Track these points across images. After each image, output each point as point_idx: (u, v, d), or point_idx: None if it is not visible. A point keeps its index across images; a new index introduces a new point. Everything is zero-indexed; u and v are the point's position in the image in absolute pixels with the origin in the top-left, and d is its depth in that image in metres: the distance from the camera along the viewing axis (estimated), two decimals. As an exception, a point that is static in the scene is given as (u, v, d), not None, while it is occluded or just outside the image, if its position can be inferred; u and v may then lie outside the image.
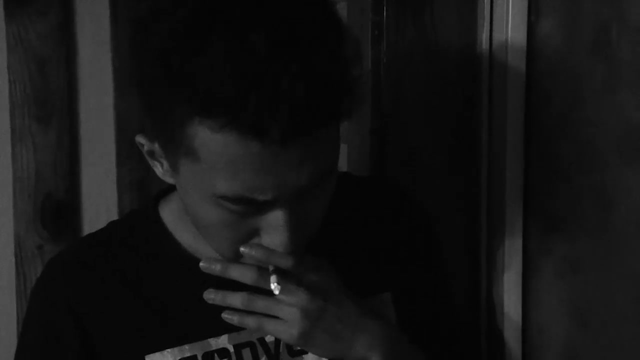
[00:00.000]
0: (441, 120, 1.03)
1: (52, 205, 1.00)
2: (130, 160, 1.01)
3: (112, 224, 0.82)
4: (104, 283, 0.75)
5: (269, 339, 0.75)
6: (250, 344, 0.75)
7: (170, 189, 0.81)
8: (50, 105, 0.98)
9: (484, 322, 1.06)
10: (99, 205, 1.02)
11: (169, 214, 0.78)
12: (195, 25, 0.59)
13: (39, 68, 0.97)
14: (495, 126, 1.04)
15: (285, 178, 0.62)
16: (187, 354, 0.73)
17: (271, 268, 0.69)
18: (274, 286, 0.68)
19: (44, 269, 0.79)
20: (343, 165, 1.02)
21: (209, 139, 0.60)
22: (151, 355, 0.73)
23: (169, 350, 0.73)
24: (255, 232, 0.67)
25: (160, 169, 0.71)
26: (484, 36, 1.03)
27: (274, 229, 0.65)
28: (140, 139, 0.70)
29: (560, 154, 0.99)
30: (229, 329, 0.74)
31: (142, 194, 1.02)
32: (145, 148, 0.70)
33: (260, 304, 0.70)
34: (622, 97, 0.89)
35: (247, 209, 0.64)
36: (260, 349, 0.75)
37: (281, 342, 0.75)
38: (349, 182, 0.84)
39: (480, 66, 1.03)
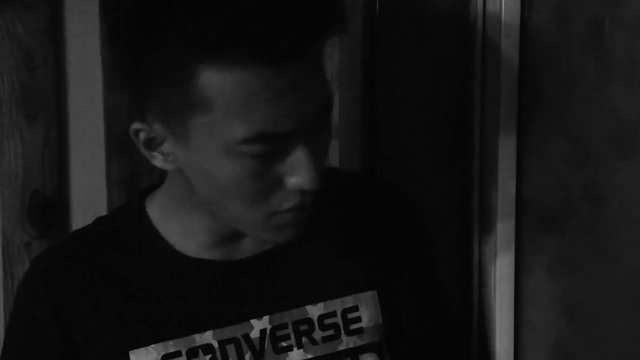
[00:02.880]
0: (433, 116, 1.03)
1: (40, 202, 0.99)
2: (119, 156, 1.01)
3: (98, 220, 0.81)
4: (89, 279, 0.75)
5: (254, 335, 0.75)
6: (234, 340, 0.74)
7: (157, 185, 0.81)
8: (38, 101, 0.98)
9: (475, 320, 1.06)
10: (88, 202, 1.01)
11: (155, 209, 0.78)
12: None
13: (27, 63, 0.97)
14: (487, 122, 1.03)
15: (298, 105, 0.63)
16: (171, 350, 0.73)
17: None
18: None
19: (30, 266, 0.80)
20: (335, 161, 1.02)
21: (221, 81, 0.61)
22: (135, 350, 0.73)
23: (153, 345, 0.73)
24: (278, 183, 0.67)
25: (160, 158, 0.70)
26: (478, 41, 1.03)
27: (299, 167, 0.65)
28: (136, 126, 0.68)
29: (553, 150, 0.99)
30: (214, 325, 0.74)
31: (132, 191, 1.01)
32: (142, 137, 0.69)
33: None
34: (615, 92, 0.89)
35: (268, 149, 0.64)
36: (245, 346, 0.75)
37: (266, 339, 0.75)
38: (339, 177, 0.84)
39: (473, 65, 1.03)
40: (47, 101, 0.98)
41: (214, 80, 0.61)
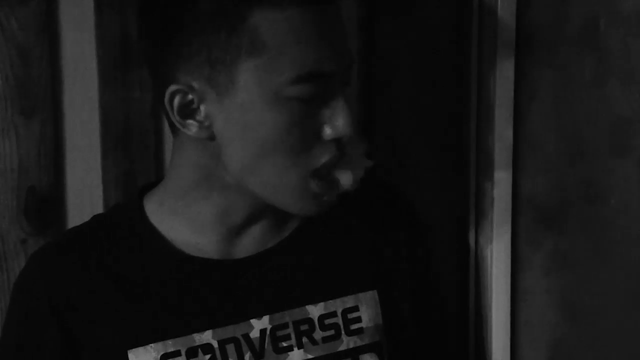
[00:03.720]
0: (430, 115, 1.03)
1: (36, 199, 0.98)
2: (115, 152, 1.00)
3: (95, 218, 0.81)
4: (87, 277, 0.75)
5: (254, 334, 0.75)
6: (234, 340, 0.74)
7: (155, 182, 0.80)
8: (34, 97, 0.97)
9: (472, 318, 1.07)
10: (84, 198, 1.00)
11: (154, 207, 0.77)
12: None
13: (22, 58, 0.96)
14: (484, 120, 1.04)
15: (338, 46, 0.69)
16: (171, 349, 0.73)
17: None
18: None
19: (27, 262, 0.79)
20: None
21: (271, 22, 0.65)
22: (134, 350, 0.73)
23: (152, 345, 0.73)
24: (317, 136, 0.70)
25: (194, 125, 0.70)
26: (474, 38, 1.03)
27: (337, 113, 0.69)
28: (173, 88, 0.69)
29: (549, 147, 0.99)
30: (213, 324, 0.74)
31: (128, 188, 1.00)
32: (177, 102, 0.69)
33: None
34: (611, 89, 0.89)
35: (314, 91, 0.68)
36: (244, 345, 0.74)
37: (266, 339, 0.75)
38: None
39: (469, 63, 1.03)
40: (42, 97, 0.97)
41: (266, 21, 0.65)
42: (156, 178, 0.82)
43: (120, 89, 0.97)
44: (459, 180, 1.05)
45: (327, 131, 0.69)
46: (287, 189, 0.70)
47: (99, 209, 0.99)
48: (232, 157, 0.70)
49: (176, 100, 0.69)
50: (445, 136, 1.04)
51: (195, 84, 0.68)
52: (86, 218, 0.81)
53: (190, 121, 0.70)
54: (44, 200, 0.99)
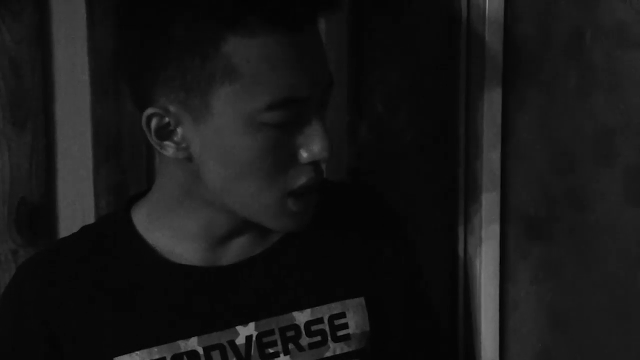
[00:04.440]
0: (419, 126, 1.04)
1: (27, 210, 0.99)
2: (107, 163, 1.01)
3: (84, 228, 0.81)
4: (74, 285, 0.75)
5: (239, 341, 0.75)
6: (220, 347, 0.74)
7: (144, 192, 0.81)
8: (26, 108, 0.97)
9: (461, 326, 1.07)
10: (75, 210, 1.01)
11: (142, 216, 0.78)
12: None
13: (14, 70, 0.96)
14: (472, 131, 1.04)
15: (314, 72, 0.68)
16: (156, 357, 0.73)
17: None
18: None
19: (15, 272, 0.79)
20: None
21: (245, 48, 0.65)
22: (120, 357, 0.73)
23: (137, 352, 0.73)
24: (294, 159, 0.70)
25: (172, 147, 0.70)
26: (462, 50, 1.04)
27: (314, 136, 0.69)
28: (150, 111, 0.69)
29: (536, 157, 1.00)
30: (199, 331, 0.74)
31: (120, 199, 1.01)
32: (154, 125, 0.69)
33: None
34: (595, 100, 0.90)
35: (289, 117, 0.67)
36: (230, 352, 0.74)
37: (252, 345, 0.75)
38: (324, 187, 0.84)
39: (458, 75, 1.04)
40: (34, 108, 0.98)
41: (239, 48, 0.65)
42: (146, 188, 0.83)
43: (112, 101, 0.98)
44: (448, 191, 1.05)
45: (304, 155, 0.69)
46: (264, 209, 0.71)
47: (91, 220, 1.00)
48: (209, 178, 0.70)
49: (153, 123, 0.69)
50: (434, 147, 1.05)
51: (171, 108, 0.68)
52: (77, 229, 0.82)
53: (167, 142, 0.70)
54: (35, 211, 0.99)
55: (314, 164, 0.70)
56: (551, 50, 0.96)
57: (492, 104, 1.02)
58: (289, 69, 0.66)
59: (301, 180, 0.70)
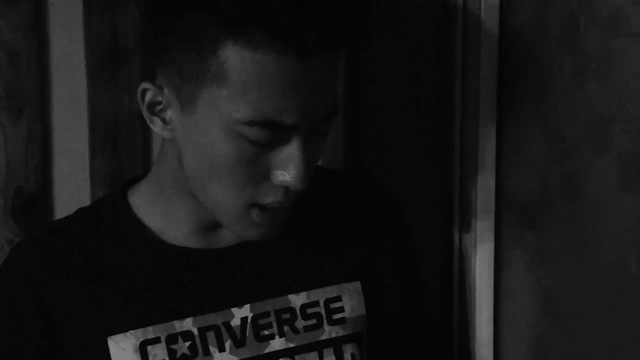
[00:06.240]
0: (414, 114, 1.04)
1: (23, 199, 0.99)
2: (103, 153, 1.01)
3: (79, 210, 0.82)
4: (68, 265, 0.75)
5: (234, 322, 0.75)
6: (215, 328, 0.74)
7: (140, 176, 0.81)
8: (22, 97, 0.97)
9: (455, 313, 1.07)
10: (72, 199, 1.01)
11: (138, 198, 0.78)
12: None
13: (10, 59, 0.96)
14: (468, 119, 1.05)
15: (308, 101, 0.64)
16: (151, 336, 0.73)
17: None
18: None
19: (8, 253, 0.79)
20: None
21: (240, 59, 0.62)
22: (114, 336, 0.73)
23: (132, 331, 0.73)
24: (266, 175, 0.68)
25: (159, 124, 0.70)
26: (458, 39, 1.04)
27: (290, 163, 0.66)
28: (145, 85, 0.69)
29: (531, 145, 1.00)
30: (194, 312, 0.74)
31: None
32: (148, 98, 0.69)
33: None
34: (590, 88, 0.91)
35: (267, 137, 0.65)
36: (225, 333, 0.75)
37: (247, 327, 0.75)
38: (320, 174, 0.84)
39: (453, 63, 1.05)
40: (30, 98, 0.98)
41: (235, 57, 0.63)
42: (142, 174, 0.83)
43: (109, 90, 0.98)
44: (443, 180, 1.06)
45: (278, 177, 0.67)
46: (228, 212, 0.70)
47: (87, 209, 1.00)
48: (187, 168, 0.70)
49: (147, 96, 0.70)
50: (429, 136, 1.05)
51: (166, 90, 0.68)
52: (74, 217, 0.82)
53: (156, 118, 0.70)
54: (32, 201, 0.99)
55: (287, 188, 0.68)
56: (547, 38, 0.96)
57: (487, 91, 1.02)
58: (278, 93, 0.63)
59: (269, 198, 0.69)
